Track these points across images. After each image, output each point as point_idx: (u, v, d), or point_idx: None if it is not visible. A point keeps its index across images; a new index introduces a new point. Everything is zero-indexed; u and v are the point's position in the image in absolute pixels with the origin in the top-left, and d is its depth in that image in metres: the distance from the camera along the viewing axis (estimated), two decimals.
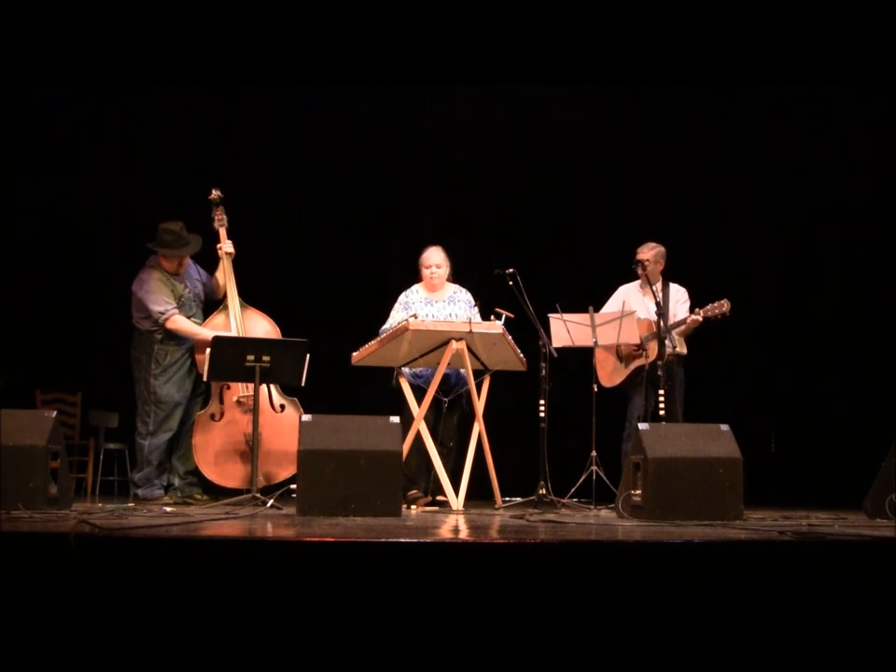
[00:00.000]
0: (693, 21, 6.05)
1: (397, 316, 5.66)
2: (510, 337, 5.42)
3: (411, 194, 7.45)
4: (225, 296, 5.60)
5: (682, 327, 5.72)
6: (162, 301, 5.38)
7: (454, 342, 5.28)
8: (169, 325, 5.37)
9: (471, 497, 5.56)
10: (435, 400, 5.45)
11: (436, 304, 5.77)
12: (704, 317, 5.62)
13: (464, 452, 5.52)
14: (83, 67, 6.06)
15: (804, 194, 7.48)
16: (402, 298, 5.81)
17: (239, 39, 6.05)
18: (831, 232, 7.41)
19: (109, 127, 7.13)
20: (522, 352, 5.57)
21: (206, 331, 5.38)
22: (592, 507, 5.34)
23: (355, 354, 5.48)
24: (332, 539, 2.95)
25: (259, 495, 4.89)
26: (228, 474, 5.40)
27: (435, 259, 5.77)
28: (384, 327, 5.64)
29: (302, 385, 5.29)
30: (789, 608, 2.85)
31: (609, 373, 5.98)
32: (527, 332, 5.55)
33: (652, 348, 5.58)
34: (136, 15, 5.84)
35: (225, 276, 5.60)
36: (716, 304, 5.60)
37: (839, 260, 7.40)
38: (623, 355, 5.91)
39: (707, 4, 6.01)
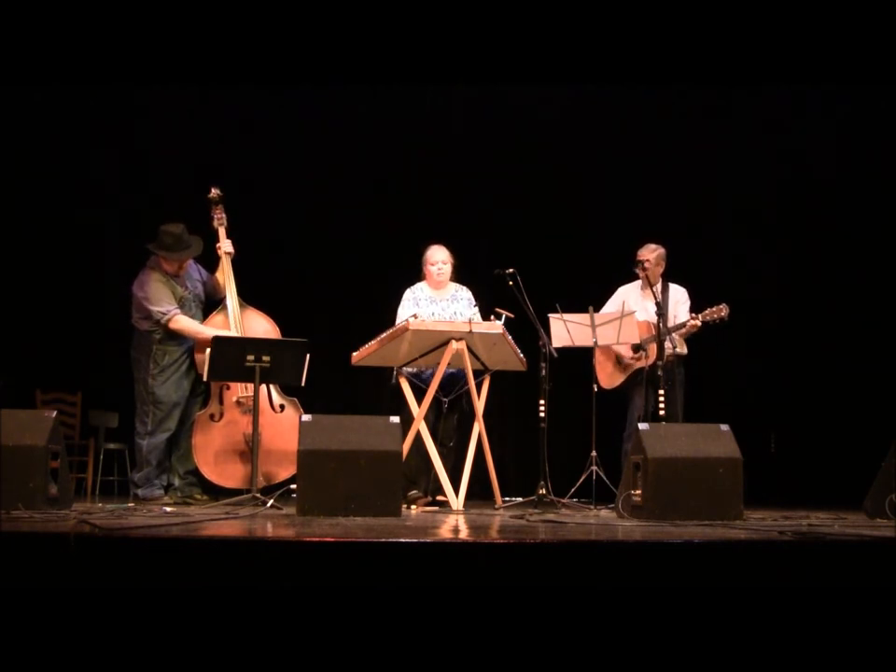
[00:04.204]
0: (693, 20, 6.05)
1: (408, 313, 5.64)
2: (510, 337, 5.42)
3: (411, 194, 7.45)
4: (225, 296, 5.60)
5: (682, 330, 5.73)
6: (164, 303, 5.38)
7: (454, 342, 5.28)
8: (172, 325, 5.37)
9: (471, 497, 5.56)
10: (435, 400, 5.45)
11: (440, 303, 5.78)
12: (702, 322, 5.63)
13: (464, 452, 5.52)
14: (83, 67, 6.06)
15: (805, 194, 7.47)
16: (409, 294, 5.80)
17: (239, 39, 6.05)
18: (832, 232, 7.40)
19: (109, 126, 7.12)
20: (522, 352, 5.57)
21: (210, 330, 5.38)
22: (592, 507, 5.34)
23: (355, 354, 5.48)
24: (332, 539, 2.95)
25: (258, 495, 4.89)
26: (227, 474, 5.39)
27: (440, 255, 5.78)
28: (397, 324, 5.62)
29: (302, 384, 5.29)
30: (789, 608, 2.85)
31: (609, 374, 5.98)
32: (527, 332, 5.55)
33: (652, 349, 5.58)
34: (136, 14, 5.84)
35: (224, 276, 5.60)
36: (714, 309, 5.61)
37: (840, 260, 7.39)
38: (623, 363, 5.91)
39: (707, 4, 6.01)
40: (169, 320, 5.36)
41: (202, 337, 5.37)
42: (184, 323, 5.40)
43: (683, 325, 5.71)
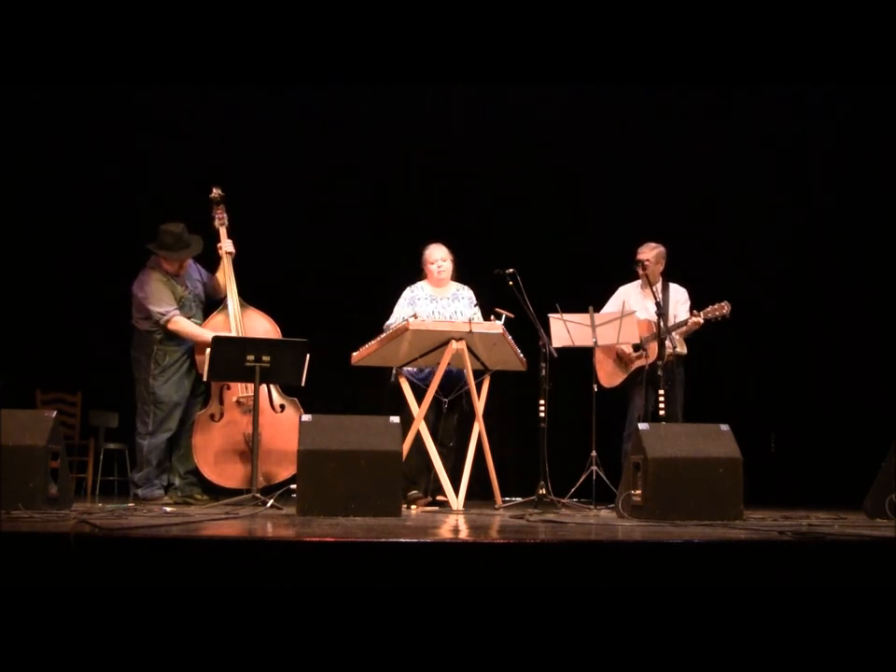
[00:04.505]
0: (694, 20, 6.05)
1: (403, 312, 5.65)
2: (510, 337, 5.42)
3: (411, 194, 7.45)
4: (225, 295, 5.60)
5: (683, 328, 5.73)
6: (163, 303, 5.38)
7: (454, 342, 5.28)
8: (171, 326, 5.37)
9: (471, 497, 5.56)
10: (435, 400, 5.45)
11: (440, 301, 5.78)
12: (704, 319, 5.64)
13: (464, 452, 5.52)
14: (84, 66, 6.06)
15: (804, 194, 7.47)
16: (407, 293, 5.81)
17: (240, 39, 6.05)
18: (832, 231, 7.40)
19: (109, 126, 7.12)
20: (522, 352, 5.57)
21: (208, 333, 5.37)
22: (592, 507, 5.34)
23: (355, 354, 5.48)
24: (332, 539, 2.95)
25: (258, 495, 4.89)
26: (228, 474, 5.39)
27: (439, 253, 5.79)
28: (388, 322, 5.64)
29: (302, 384, 5.29)
30: (789, 608, 2.85)
31: (609, 374, 5.98)
32: (527, 332, 5.55)
33: (653, 349, 5.58)
34: (137, 14, 5.84)
35: (225, 276, 5.60)
36: (716, 306, 5.62)
37: (840, 259, 7.39)
38: (624, 360, 5.91)
39: (707, 4, 6.01)
40: (168, 321, 5.36)
41: (199, 340, 5.37)
42: (182, 325, 5.40)
43: (685, 323, 5.72)
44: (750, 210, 7.52)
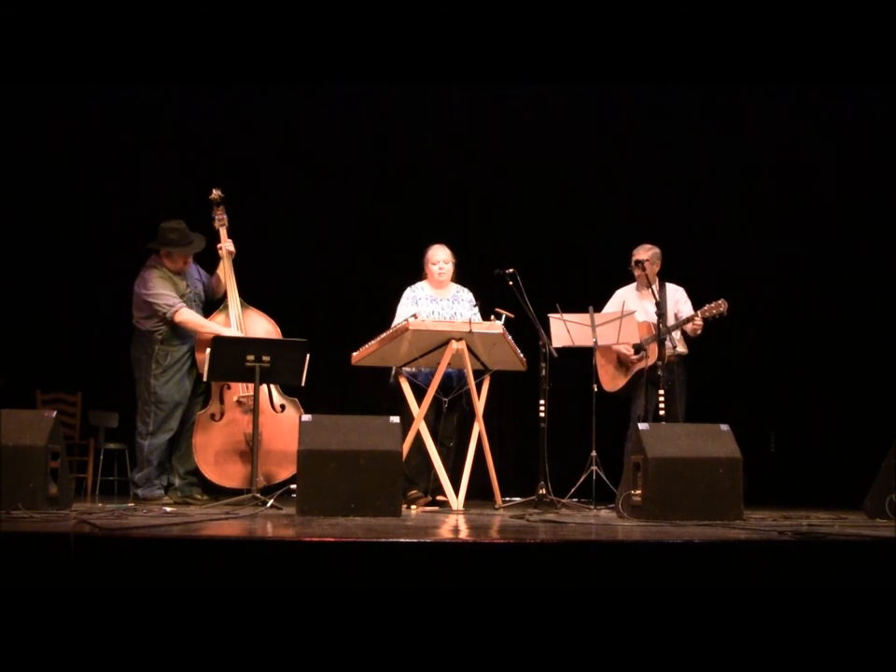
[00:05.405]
0: (692, 20, 6.06)
1: (407, 312, 5.65)
2: (510, 337, 5.42)
3: (411, 194, 7.45)
4: (225, 295, 5.59)
5: (688, 325, 5.71)
6: (168, 296, 5.37)
7: (454, 342, 5.27)
8: (177, 318, 5.36)
9: (471, 497, 5.56)
10: (435, 400, 5.45)
11: (440, 302, 5.78)
12: (702, 318, 5.63)
13: (464, 452, 5.52)
14: (83, 66, 6.07)
15: (804, 194, 7.47)
16: (409, 293, 5.80)
17: (239, 39, 6.06)
18: (832, 231, 7.40)
19: (109, 126, 7.12)
20: (522, 352, 5.57)
21: (214, 325, 5.38)
22: (592, 507, 5.34)
23: (355, 354, 5.48)
24: (332, 539, 2.95)
25: (258, 495, 4.89)
26: (228, 474, 5.39)
27: (442, 255, 5.79)
28: (394, 324, 5.62)
29: (302, 384, 5.29)
30: (789, 608, 2.85)
31: (612, 378, 5.97)
32: (527, 332, 5.55)
33: (653, 350, 5.58)
34: (136, 14, 5.85)
35: (225, 276, 5.60)
36: (713, 304, 5.62)
37: (839, 260, 7.39)
38: (624, 362, 5.90)
39: (706, 4, 6.02)
40: (175, 313, 5.35)
41: (205, 331, 5.36)
42: (189, 316, 5.40)
43: (689, 319, 5.70)
44: (751, 210, 7.52)
